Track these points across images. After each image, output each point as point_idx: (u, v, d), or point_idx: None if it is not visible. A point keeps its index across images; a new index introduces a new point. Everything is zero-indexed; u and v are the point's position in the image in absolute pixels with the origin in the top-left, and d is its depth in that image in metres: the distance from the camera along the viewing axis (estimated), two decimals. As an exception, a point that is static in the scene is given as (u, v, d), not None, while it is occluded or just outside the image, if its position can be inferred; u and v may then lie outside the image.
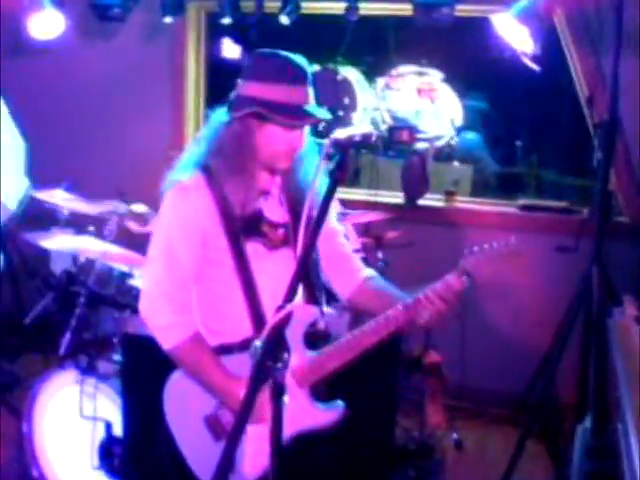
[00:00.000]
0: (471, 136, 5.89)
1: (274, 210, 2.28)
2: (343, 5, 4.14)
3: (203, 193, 2.19)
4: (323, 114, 2.15)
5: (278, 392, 1.68)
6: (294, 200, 2.26)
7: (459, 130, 4.84)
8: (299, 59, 2.18)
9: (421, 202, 4.74)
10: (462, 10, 4.12)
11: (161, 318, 2.21)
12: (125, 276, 3.69)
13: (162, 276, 2.22)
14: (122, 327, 3.50)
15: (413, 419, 3.86)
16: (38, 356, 4.02)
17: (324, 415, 2.25)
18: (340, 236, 2.44)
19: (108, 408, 3.22)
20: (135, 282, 3.67)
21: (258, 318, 2.21)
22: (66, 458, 3.36)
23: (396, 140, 4.49)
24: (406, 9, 4.10)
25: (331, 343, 2.21)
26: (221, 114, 2.24)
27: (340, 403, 2.28)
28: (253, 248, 2.23)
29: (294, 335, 2.16)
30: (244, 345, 2.18)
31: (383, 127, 4.69)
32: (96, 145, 5.00)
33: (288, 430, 1.92)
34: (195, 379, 2.23)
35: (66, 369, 3.34)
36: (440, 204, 4.81)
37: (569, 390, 3.63)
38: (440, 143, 4.86)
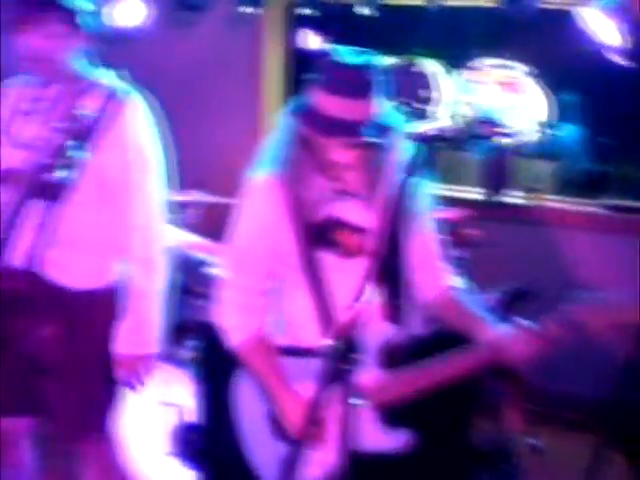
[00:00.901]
0: (566, 131, 5.73)
1: (358, 213, 2.15)
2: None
3: (275, 193, 2.12)
4: (367, 132, 1.95)
5: (348, 393, 1.63)
6: (379, 206, 2.09)
7: (550, 125, 4.72)
8: (367, 64, 2.00)
9: (501, 199, 4.64)
10: (547, 2, 4.01)
11: (226, 318, 2.26)
12: (203, 264, 3.72)
13: (229, 277, 2.26)
14: (199, 315, 3.53)
15: (490, 422, 3.78)
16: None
17: (386, 440, 2.13)
18: (433, 241, 2.29)
19: (183, 394, 3.23)
20: (212, 270, 3.69)
21: (328, 328, 2.09)
22: (140, 443, 3.39)
23: (476, 134, 4.41)
24: (489, 0, 4.02)
25: (408, 367, 2.10)
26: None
27: (407, 432, 2.15)
28: (324, 256, 2.13)
29: (366, 351, 2.03)
30: (312, 352, 2.10)
31: (463, 121, 4.61)
32: (176, 133, 5.03)
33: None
34: (254, 378, 2.24)
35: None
36: (521, 201, 4.69)
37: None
38: (523, 138, 4.75)
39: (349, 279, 2.06)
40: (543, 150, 5.18)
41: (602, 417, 3.80)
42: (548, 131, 4.89)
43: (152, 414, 3.31)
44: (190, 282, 3.65)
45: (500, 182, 4.59)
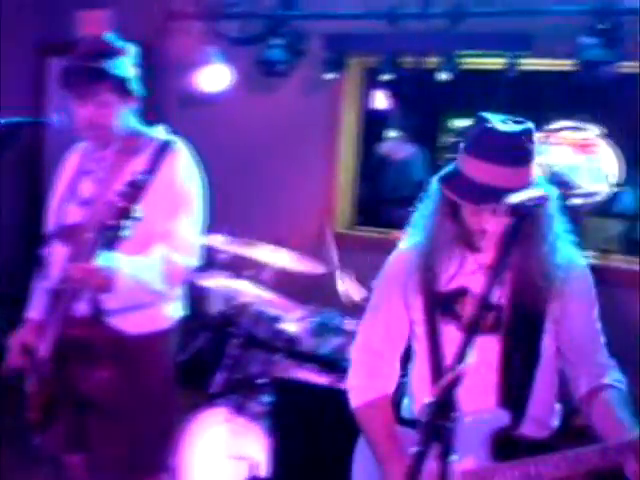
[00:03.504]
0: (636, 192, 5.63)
1: (492, 288, 2.00)
2: (503, 61, 4.15)
3: (413, 263, 2.12)
4: (516, 198, 1.81)
5: (446, 450, 1.66)
6: (518, 280, 2.02)
7: (620, 185, 4.70)
8: (523, 132, 1.95)
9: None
10: (626, 67, 4.03)
11: (351, 379, 2.24)
12: (275, 320, 3.81)
13: (360, 339, 2.26)
14: (270, 370, 3.61)
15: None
16: (189, 392, 4.17)
17: None
18: (587, 327, 2.08)
19: (255, 448, 3.30)
20: (284, 326, 3.78)
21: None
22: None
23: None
24: (567, 64, 4.07)
25: (521, 458, 1.94)
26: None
27: None
28: (446, 329, 2.08)
29: (478, 437, 2.02)
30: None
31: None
32: (254, 194, 5.21)
33: None
34: (367, 442, 2.16)
35: (217, 407, 3.47)
36: (593, 262, 4.63)
37: None
38: (595, 198, 4.74)
39: (472, 357, 1.98)
40: (614, 210, 5.13)
41: None
42: (619, 191, 4.85)
43: (223, 467, 3.37)
44: (264, 337, 3.75)
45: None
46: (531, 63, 4.36)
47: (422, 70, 4.50)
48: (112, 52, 2.59)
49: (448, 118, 5.86)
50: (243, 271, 3.91)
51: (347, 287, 3.82)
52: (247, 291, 3.79)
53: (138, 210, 2.33)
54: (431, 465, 1.71)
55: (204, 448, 3.46)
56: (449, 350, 2.04)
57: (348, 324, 3.56)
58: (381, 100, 5.78)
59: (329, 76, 4.64)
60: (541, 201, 1.75)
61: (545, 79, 4.91)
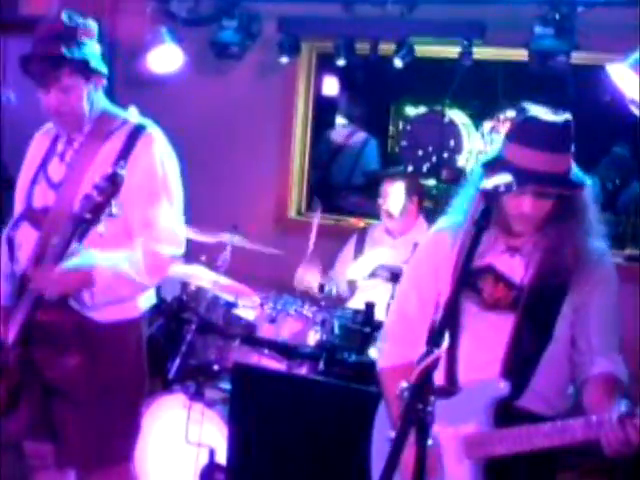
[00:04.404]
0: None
1: (516, 270, 2.17)
2: (457, 50, 4.18)
3: (451, 241, 2.21)
4: (562, 184, 2.02)
5: (423, 434, 1.69)
6: (543, 264, 2.13)
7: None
8: (564, 122, 2.07)
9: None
10: (577, 58, 4.10)
11: (381, 342, 2.40)
12: (231, 306, 3.78)
13: (393, 307, 2.47)
14: (227, 356, 3.59)
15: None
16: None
17: None
18: (604, 312, 2.15)
19: (213, 435, 3.28)
20: (241, 312, 3.76)
21: (450, 374, 2.17)
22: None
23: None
24: (521, 55, 4.11)
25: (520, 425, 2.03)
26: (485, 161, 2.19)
27: None
28: (466, 303, 2.17)
29: (479, 404, 2.11)
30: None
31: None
32: (206, 178, 5.13)
33: None
34: (385, 405, 2.28)
35: (174, 393, 3.43)
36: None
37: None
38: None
39: (486, 331, 2.15)
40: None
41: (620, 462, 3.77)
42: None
43: (182, 453, 3.34)
44: (220, 323, 3.72)
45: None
46: (484, 52, 4.40)
47: (376, 56, 4.50)
48: (70, 33, 2.49)
49: (400, 105, 5.88)
50: (198, 256, 3.87)
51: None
52: (203, 277, 3.76)
53: (115, 206, 2.26)
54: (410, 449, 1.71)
55: (161, 435, 3.42)
56: (465, 322, 2.18)
57: (306, 310, 3.56)
58: (332, 86, 5.76)
59: (284, 60, 4.60)
60: (510, 186, 1.82)
61: (498, 68, 4.97)
